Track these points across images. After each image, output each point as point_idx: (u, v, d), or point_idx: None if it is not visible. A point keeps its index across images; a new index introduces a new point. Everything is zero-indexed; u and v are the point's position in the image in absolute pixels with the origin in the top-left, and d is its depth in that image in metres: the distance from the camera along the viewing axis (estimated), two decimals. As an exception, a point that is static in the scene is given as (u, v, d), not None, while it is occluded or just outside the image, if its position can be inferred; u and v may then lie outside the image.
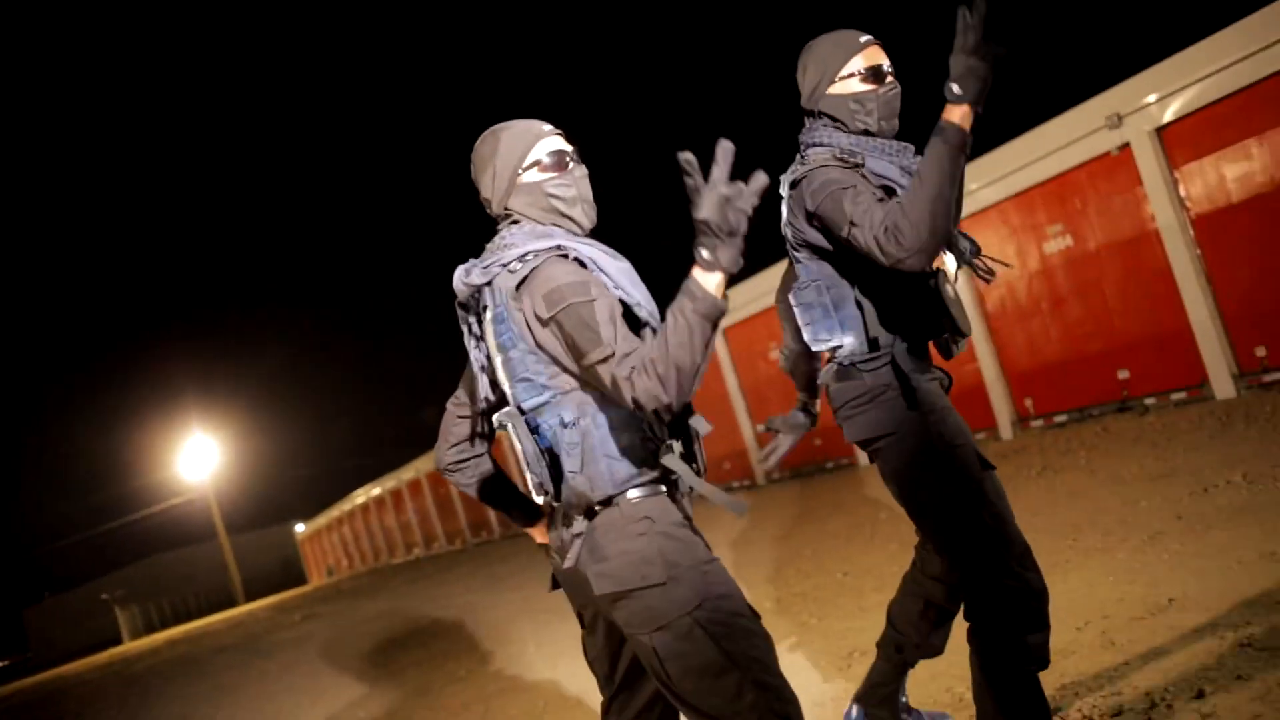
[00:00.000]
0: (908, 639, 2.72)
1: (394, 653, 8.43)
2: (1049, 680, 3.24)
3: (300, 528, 49.57)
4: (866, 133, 2.34)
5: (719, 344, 14.05)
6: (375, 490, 30.72)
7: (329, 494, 41.12)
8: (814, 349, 2.46)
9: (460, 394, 2.22)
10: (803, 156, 2.39)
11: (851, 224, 2.10)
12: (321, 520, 40.21)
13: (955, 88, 1.94)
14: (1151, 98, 7.95)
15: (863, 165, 2.26)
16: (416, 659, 7.69)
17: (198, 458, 37.60)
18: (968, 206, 9.69)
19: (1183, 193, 8.00)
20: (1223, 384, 7.90)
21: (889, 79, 2.34)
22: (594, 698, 4.69)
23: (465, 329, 2.05)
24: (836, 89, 2.34)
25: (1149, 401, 8.55)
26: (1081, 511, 5.63)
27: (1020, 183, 9.25)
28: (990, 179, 9.44)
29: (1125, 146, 8.25)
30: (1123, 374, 8.75)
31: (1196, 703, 2.67)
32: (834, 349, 2.41)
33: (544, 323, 1.83)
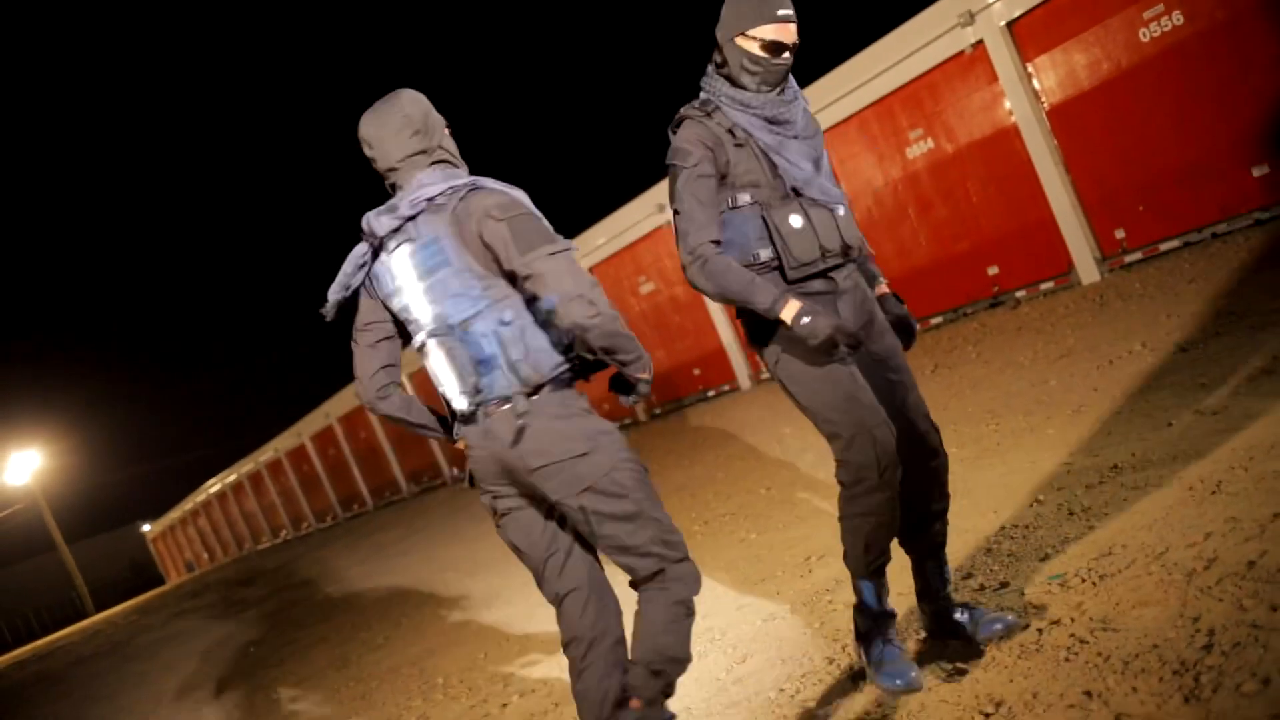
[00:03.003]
0: None
1: (293, 633, 7.92)
2: (1029, 553, 3.20)
3: (147, 527, 46.74)
4: (743, 87, 2.56)
5: None
6: (232, 476, 29.16)
7: (173, 488, 38.90)
8: None
9: (365, 331, 2.45)
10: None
11: (675, 211, 2.52)
12: (174, 514, 37.96)
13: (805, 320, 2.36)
14: (1001, -6, 8.08)
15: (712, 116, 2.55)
16: (321, 635, 7.24)
17: (20, 465, 34.67)
18: (829, 119, 9.73)
19: (1037, 85, 8.20)
20: (1088, 269, 8.22)
21: (786, 54, 2.52)
22: (538, 639, 4.45)
23: (358, 270, 2.41)
24: (740, 42, 2.51)
25: (1020, 294, 8.83)
26: (991, 398, 5.72)
27: (878, 90, 9.29)
28: (848, 88, 9.45)
29: (979, 44, 8.38)
30: (992, 270, 8.99)
31: (1193, 550, 2.66)
32: None
33: (498, 222, 2.25)
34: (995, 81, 8.40)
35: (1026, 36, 8.14)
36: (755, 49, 2.49)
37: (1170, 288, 6.51)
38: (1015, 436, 4.70)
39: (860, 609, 2.64)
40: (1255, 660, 2.02)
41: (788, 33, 2.50)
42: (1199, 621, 2.28)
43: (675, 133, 2.57)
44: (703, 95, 2.61)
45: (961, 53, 8.55)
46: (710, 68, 2.61)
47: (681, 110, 2.59)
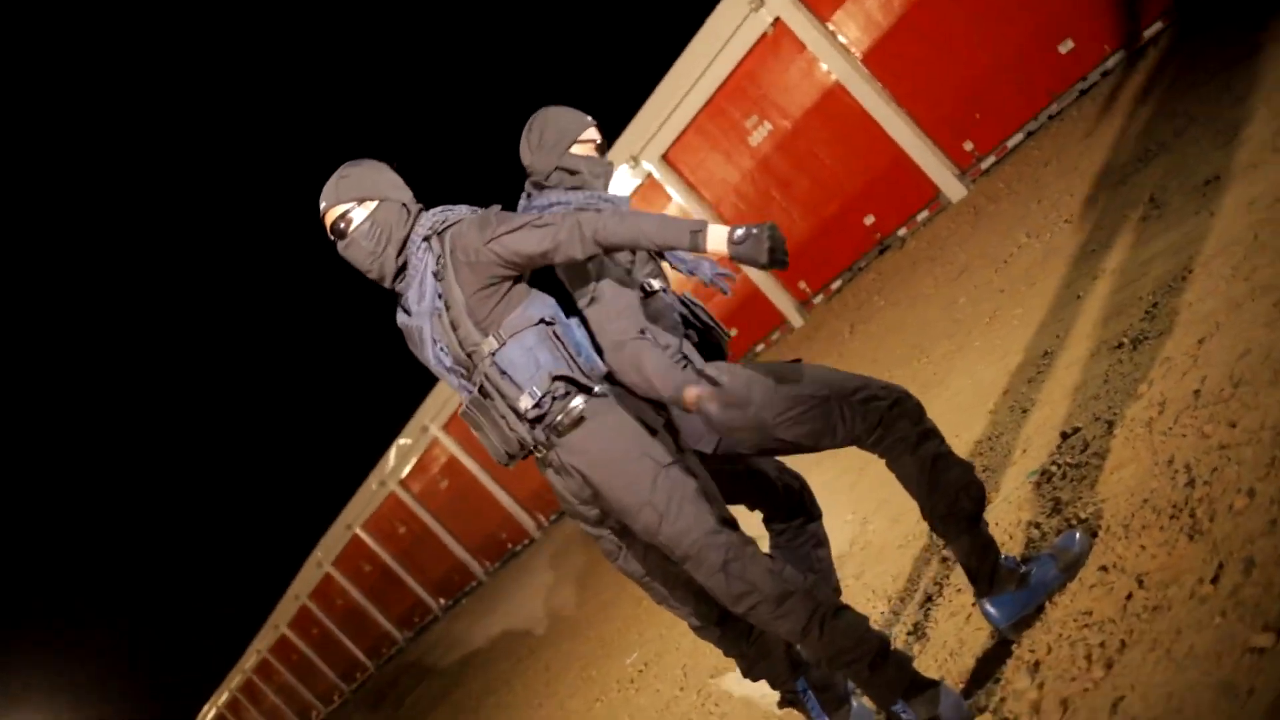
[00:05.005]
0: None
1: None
2: (1001, 462, 3.26)
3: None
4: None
5: (449, 441, 14.88)
6: (224, 696, 27.98)
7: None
8: None
9: None
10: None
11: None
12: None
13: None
14: (776, -32, 8.38)
15: None
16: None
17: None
18: (668, 138, 9.95)
19: (843, 40, 8.50)
20: (952, 188, 8.49)
21: (606, 152, 2.67)
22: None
23: None
24: (577, 149, 2.57)
25: (901, 233, 9.06)
26: (912, 334, 5.85)
27: (702, 94, 9.52)
28: (673, 103, 9.68)
29: (777, 21, 8.66)
30: (869, 220, 9.22)
31: (1141, 401, 2.74)
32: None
33: None
34: (804, 49, 8.68)
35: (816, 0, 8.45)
36: (592, 151, 2.58)
37: (1031, 176, 6.77)
38: (947, 361, 4.80)
39: (989, 550, 2.31)
40: (1235, 478, 2.09)
41: (598, 133, 2.65)
42: (1173, 463, 2.35)
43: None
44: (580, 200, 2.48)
45: (764, 35, 8.83)
46: (550, 193, 2.53)
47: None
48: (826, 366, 2.39)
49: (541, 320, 2.26)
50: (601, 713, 4.57)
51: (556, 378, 2.20)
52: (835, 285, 9.79)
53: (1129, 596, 2.07)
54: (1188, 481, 2.23)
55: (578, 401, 2.21)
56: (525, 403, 2.20)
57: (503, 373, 2.23)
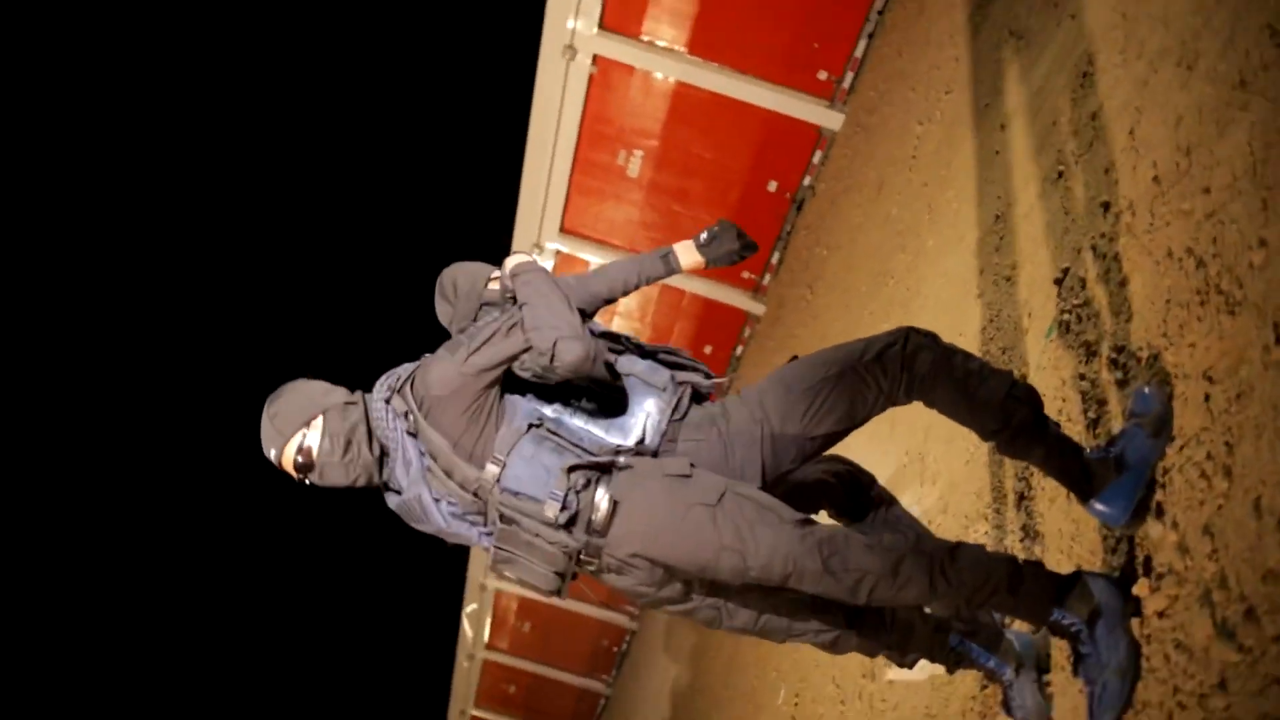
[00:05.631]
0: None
1: None
2: (1015, 340, 3.19)
3: None
4: None
5: (510, 587, 14.39)
6: None
7: None
8: None
9: None
10: None
11: None
12: None
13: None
14: (572, 10, 8.47)
15: None
16: None
17: None
18: (556, 208, 9.97)
19: (663, 42, 8.58)
20: (830, 119, 8.52)
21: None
22: None
23: None
24: (493, 285, 2.60)
25: (807, 182, 9.08)
26: (870, 265, 5.81)
27: (565, 157, 9.54)
28: (544, 178, 9.70)
29: (596, 59, 8.73)
30: (772, 186, 9.24)
31: (1110, 213, 2.68)
32: None
33: None
34: (633, 70, 8.75)
35: (619, 21, 8.53)
36: (497, 286, 2.57)
37: (893, 72, 6.81)
38: (913, 272, 4.75)
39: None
40: (1238, 237, 2.02)
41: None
42: (1173, 253, 2.28)
43: None
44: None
45: (592, 76, 8.89)
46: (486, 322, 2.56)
47: None
48: (822, 350, 2.29)
49: (530, 425, 2.17)
50: (781, 763, 4.39)
51: (571, 469, 2.10)
52: (774, 259, 9.77)
53: (1207, 398, 1.97)
54: (1197, 264, 2.15)
55: (601, 493, 2.09)
56: (552, 511, 2.08)
57: (516, 494, 2.11)
